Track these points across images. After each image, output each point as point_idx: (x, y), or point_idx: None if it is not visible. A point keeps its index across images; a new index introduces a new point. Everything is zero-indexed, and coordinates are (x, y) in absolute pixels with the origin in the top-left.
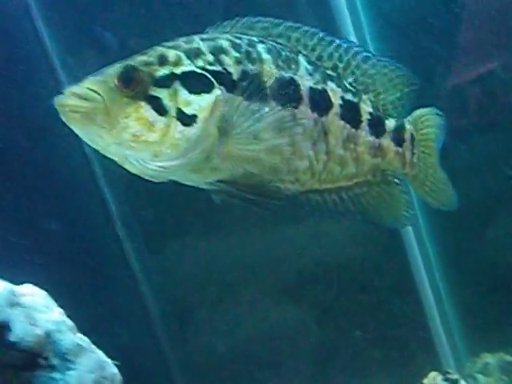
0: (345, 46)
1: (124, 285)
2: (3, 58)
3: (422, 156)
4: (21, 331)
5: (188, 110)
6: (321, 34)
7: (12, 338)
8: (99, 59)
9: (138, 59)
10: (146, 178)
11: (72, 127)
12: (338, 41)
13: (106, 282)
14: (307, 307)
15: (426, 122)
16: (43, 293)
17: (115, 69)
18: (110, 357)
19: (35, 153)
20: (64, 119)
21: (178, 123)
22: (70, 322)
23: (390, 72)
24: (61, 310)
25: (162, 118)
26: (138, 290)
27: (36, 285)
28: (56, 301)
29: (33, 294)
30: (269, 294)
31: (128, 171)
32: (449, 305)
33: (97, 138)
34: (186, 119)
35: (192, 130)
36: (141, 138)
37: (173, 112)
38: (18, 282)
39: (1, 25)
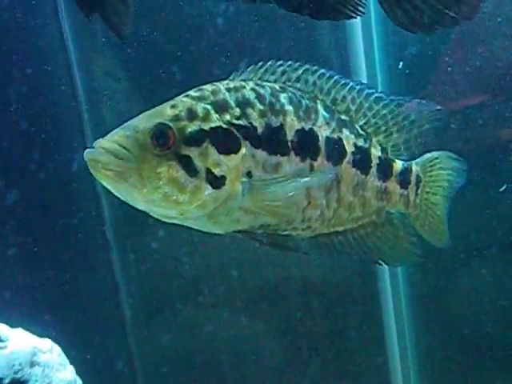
0: (357, 88)
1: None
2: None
3: (425, 196)
4: None
5: (217, 172)
6: (336, 77)
7: None
8: None
9: (168, 113)
10: (161, 218)
11: (102, 182)
12: (351, 83)
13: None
14: (269, 322)
15: (437, 164)
16: (59, 349)
17: (146, 124)
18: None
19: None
20: (94, 174)
21: (208, 186)
22: (79, 381)
23: (406, 110)
24: (72, 369)
25: (193, 180)
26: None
27: None
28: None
29: (50, 351)
30: (233, 301)
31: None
32: (412, 351)
33: (127, 195)
34: (215, 181)
35: (221, 193)
36: (171, 199)
37: (202, 173)
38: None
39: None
